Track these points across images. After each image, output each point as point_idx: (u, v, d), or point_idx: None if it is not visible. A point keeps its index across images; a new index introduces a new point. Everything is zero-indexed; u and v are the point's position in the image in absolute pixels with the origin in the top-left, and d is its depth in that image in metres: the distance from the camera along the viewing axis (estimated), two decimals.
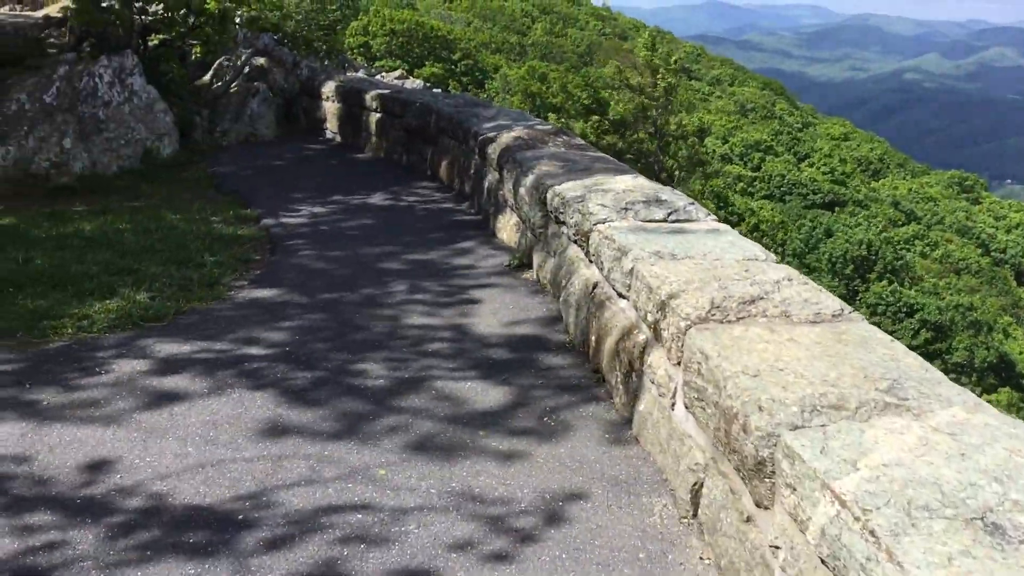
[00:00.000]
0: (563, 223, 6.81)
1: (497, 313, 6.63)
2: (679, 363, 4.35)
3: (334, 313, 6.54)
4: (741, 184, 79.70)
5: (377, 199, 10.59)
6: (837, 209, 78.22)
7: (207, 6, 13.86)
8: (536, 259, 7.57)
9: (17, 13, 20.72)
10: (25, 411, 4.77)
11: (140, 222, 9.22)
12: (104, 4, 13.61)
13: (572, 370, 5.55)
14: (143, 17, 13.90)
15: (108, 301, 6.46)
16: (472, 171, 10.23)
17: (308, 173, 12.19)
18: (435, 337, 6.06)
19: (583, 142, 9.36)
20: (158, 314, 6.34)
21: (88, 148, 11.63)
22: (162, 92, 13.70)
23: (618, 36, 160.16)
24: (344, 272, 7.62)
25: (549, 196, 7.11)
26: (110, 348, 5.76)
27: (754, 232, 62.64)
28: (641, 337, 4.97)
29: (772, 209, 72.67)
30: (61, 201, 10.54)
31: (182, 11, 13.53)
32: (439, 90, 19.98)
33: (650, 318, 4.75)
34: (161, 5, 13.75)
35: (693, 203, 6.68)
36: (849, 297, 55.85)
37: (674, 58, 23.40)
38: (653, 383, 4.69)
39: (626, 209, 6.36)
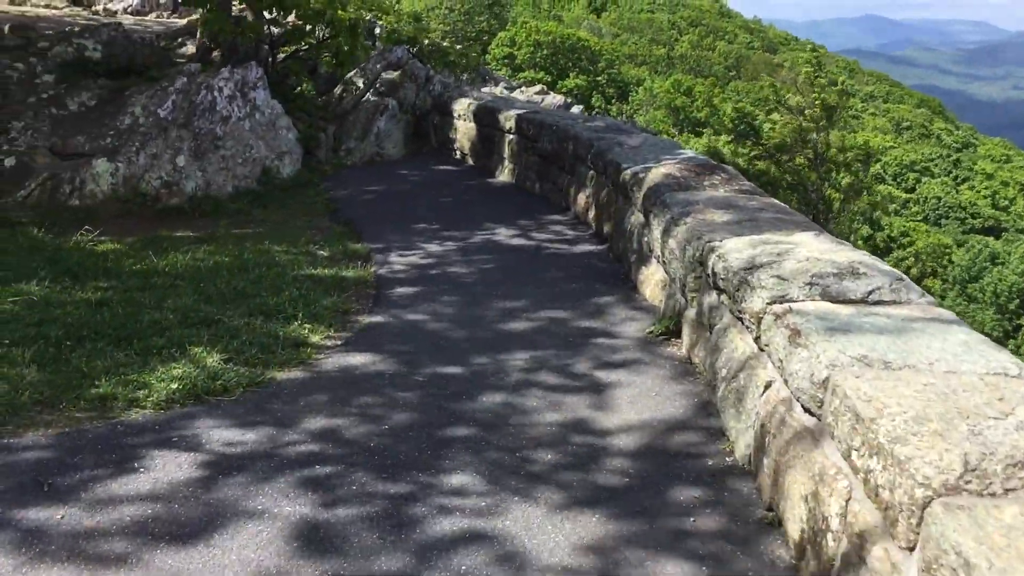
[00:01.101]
0: (724, 292, 5.39)
1: (635, 403, 5.26)
2: (911, 548, 2.90)
3: (435, 395, 5.32)
4: (894, 205, 75.07)
5: (503, 235, 9.38)
6: (999, 236, 72.51)
7: (339, 18, 13.04)
8: (687, 331, 6.15)
9: (163, 21, 20.77)
10: (26, 535, 3.73)
11: (240, 256, 8.31)
12: (234, 14, 13.01)
13: (738, 505, 4.11)
14: (273, 28, 13.22)
15: (174, 365, 5.45)
16: (613, 209, 8.88)
17: (431, 200, 11.13)
18: (552, 440, 4.73)
19: (747, 183, 7.85)
20: (227, 386, 5.27)
21: (202, 167, 10.93)
22: (287, 107, 12.98)
23: (767, 49, 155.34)
24: (455, 334, 6.40)
25: (707, 256, 5.70)
26: (159, 432, 4.71)
27: (916, 262, 58.58)
28: (842, 485, 3.50)
29: (928, 232, 67.98)
30: (168, 224, 9.83)
31: (314, 23, 12.76)
32: (578, 109, 18.74)
33: (860, 462, 3.30)
34: (292, 15, 13.02)
35: (902, 278, 5.11)
36: (1012, 333, 51.22)
37: (841, 79, 21.14)
38: (866, 565, 3.22)
39: (812, 284, 4.87)
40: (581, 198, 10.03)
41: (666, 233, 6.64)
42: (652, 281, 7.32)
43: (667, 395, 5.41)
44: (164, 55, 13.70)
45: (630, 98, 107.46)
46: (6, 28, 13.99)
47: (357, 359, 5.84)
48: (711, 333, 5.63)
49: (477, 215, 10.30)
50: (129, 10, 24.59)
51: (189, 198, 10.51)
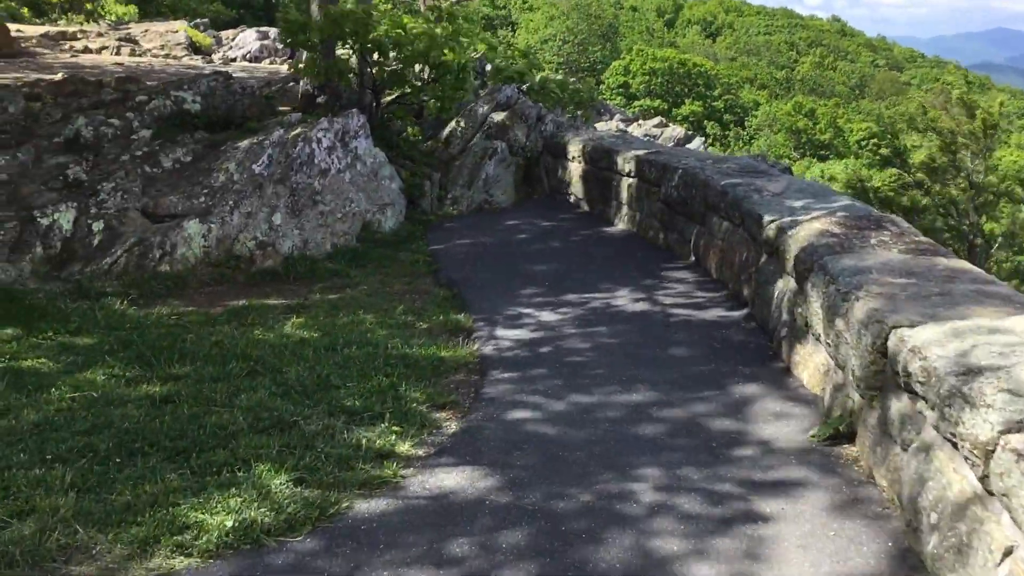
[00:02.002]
0: (923, 399, 4.12)
1: (808, 549, 4.04)
2: None
3: (548, 533, 4.21)
4: None
5: (624, 299, 8.23)
6: None
7: (444, 59, 12.24)
8: (865, 440, 4.87)
9: (272, 68, 20.58)
10: None
11: (330, 330, 7.45)
12: (336, 58, 12.39)
13: None
14: (374, 71, 12.53)
15: (232, 491, 4.52)
16: (753, 269, 7.62)
17: (543, 255, 10.08)
18: None
19: (922, 238, 6.47)
20: (292, 521, 4.30)
21: (299, 224, 10.21)
22: (391, 154, 12.25)
23: (892, 67, 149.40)
24: (569, 439, 5.28)
25: (896, 350, 4.43)
26: None
27: None
28: None
29: None
30: (260, 290, 9.10)
31: (418, 65, 12.00)
32: (699, 142, 17.44)
33: None
34: (394, 57, 12.30)
35: None
36: None
37: (999, 100, 19.07)
38: None
39: None
40: (713, 254, 8.78)
41: (832, 311, 5.37)
42: (811, 364, 6.03)
43: (848, 535, 4.16)
44: (266, 105, 13.19)
45: (747, 122, 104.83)
46: (111, 82, 13.80)
47: (452, 479, 4.79)
48: (904, 451, 4.34)
49: (593, 273, 9.19)
50: (248, 57, 24.75)
51: (285, 259, 9.78)
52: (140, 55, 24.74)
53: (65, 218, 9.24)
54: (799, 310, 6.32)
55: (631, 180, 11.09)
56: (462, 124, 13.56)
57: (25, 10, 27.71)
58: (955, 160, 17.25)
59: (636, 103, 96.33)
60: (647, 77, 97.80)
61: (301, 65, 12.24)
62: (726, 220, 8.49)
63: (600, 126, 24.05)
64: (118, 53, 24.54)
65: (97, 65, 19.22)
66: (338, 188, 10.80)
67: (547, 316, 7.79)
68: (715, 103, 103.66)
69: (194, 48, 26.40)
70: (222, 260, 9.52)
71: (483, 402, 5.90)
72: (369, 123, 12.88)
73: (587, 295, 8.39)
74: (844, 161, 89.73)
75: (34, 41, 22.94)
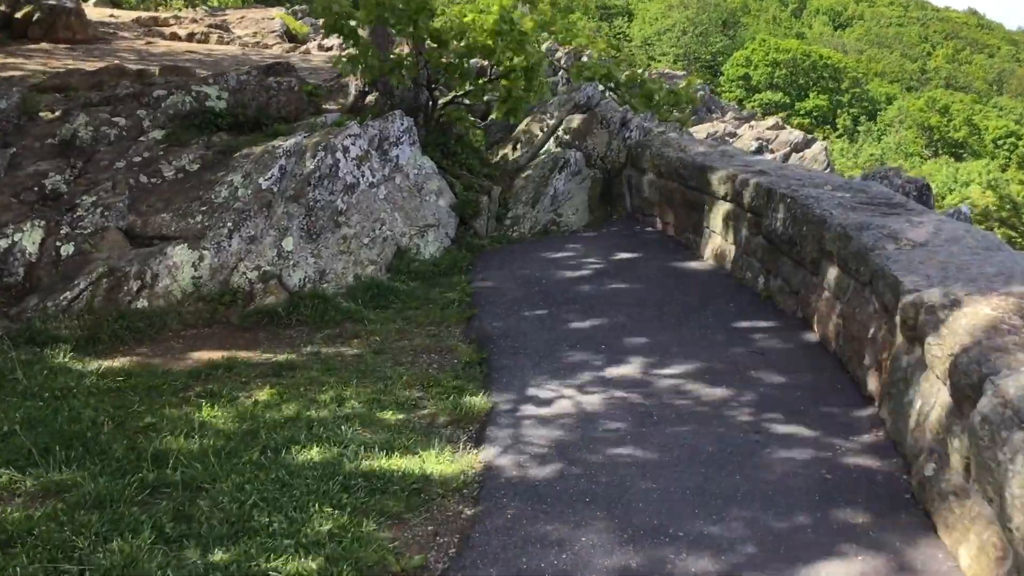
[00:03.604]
0: None
1: None
2: None
3: None
4: None
5: (703, 377, 6.13)
6: None
7: (512, 63, 10.27)
8: None
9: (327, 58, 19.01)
10: None
11: (300, 410, 5.64)
12: (388, 52, 10.60)
13: None
14: (429, 65, 10.67)
15: None
16: (886, 354, 5.41)
17: (608, 300, 8.03)
18: None
19: None
20: None
21: (316, 251, 8.46)
22: (446, 163, 10.40)
23: None
24: None
25: None
26: None
27: None
28: None
29: None
30: (249, 337, 7.41)
31: (483, 59, 10.10)
32: (820, 148, 14.93)
33: None
34: (455, 49, 10.42)
35: None
36: None
37: None
38: None
39: None
40: (829, 316, 6.56)
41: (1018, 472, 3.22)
42: (973, 537, 3.85)
43: None
44: (307, 102, 11.52)
45: (878, 117, 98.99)
46: (154, 72, 12.42)
47: None
48: None
49: (667, 331, 7.10)
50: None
51: (291, 295, 8.04)
52: (228, 43, 23.76)
53: (30, 239, 7.74)
54: (955, 442, 4.13)
55: (727, 205, 8.91)
56: (533, 129, 11.58)
57: None
58: None
59: (757, 96, 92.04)
60: (769, 69, 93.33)
61: (344, 58, 10.47)
62: (848, 275, 6.26)
63: (705, 128, 21.63)
64: (206, 40, 23.62)
65: (169, 53, 18.10)
66: (368, 207, 9.00)
67: (597, 398, 5.77)
68: (841, 97, 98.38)
69: (289, 36, 25.27)
70: (215, 295, 7.84)
71: (466, 567, 3.95)
72: (424, 126, 11.08)
73: (654, 366, 6.31)
74: (981, 163, 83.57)
75: (123, 26, 22.16)
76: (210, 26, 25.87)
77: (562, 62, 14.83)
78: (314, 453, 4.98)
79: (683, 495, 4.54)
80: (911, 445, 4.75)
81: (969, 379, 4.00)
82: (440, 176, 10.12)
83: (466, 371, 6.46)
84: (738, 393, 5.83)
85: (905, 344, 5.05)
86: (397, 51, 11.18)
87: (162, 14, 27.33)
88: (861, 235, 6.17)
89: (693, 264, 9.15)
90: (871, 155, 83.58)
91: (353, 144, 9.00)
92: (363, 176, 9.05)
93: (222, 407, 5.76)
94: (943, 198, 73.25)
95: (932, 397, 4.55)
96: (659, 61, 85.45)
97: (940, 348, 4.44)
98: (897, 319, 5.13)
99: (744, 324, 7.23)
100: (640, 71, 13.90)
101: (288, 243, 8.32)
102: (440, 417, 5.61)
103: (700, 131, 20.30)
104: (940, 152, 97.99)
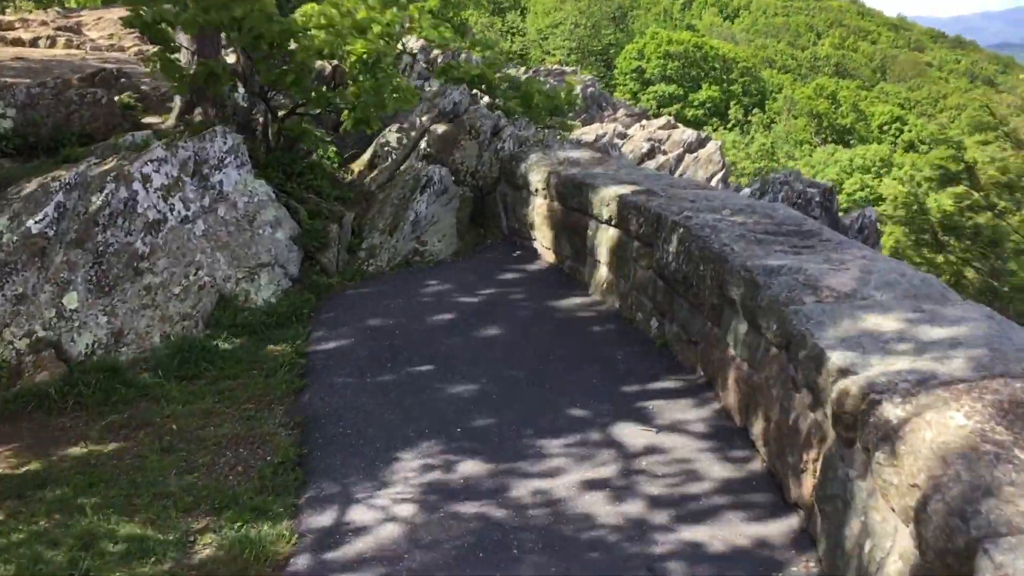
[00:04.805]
0: None
1: None
2: None
3: None
4: None
5: (580, 479, 4.74)
6: None
7: (354, 52, 8.74)
8: None
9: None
10: None
11: (25, 569, 4.02)
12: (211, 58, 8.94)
13: None
14: (260, 75, 9.04)
15: None
16: (814, 450, 4.11)
17: (475, 354, 6.60)
18: None
19: None
20: None
21: (110, 307, 6.77)
22: (290, 187, 8.80)
23: (914, 48, 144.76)
24: None
25: None
26: None
27: None
28: None
29: None
30: (6, 431, 5.69)
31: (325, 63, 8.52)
32: (717, 151, 13.75)
33: None
34: (294, 52, 8.81)
35: None
36: None
37: None
38: None
39: None
40: (735, 381, 5.27)
41: None
42: None
43: None
44: (125, 117, 9.76)
45: (767, 106, 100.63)
46: None
47: None
48: None
49: (541, 401, 5.71)
50: None
51: (73, 367, 6.35)
52: (78, 46, 21.43)
53: None
54: None
55: (612, 231, 7.58)
56: (392, 141, 10.05)
57: None
58: None
59: (651, 88, 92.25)
60: (662, 61, 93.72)
61: (155, 62, 8.75)
62: (758, 332, 4.97)
63: (595, 130, 20.43)
64: (52, 45, 21.23)
65: None
66: (179, 247, 7.34)
67: (434, 526, 4.30)
68: (733, 87, 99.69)
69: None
70: None
71: None
72: (263, 143, 9.44)
73: (517, 470, 4.89)
74: (870, 148, 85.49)
75: None
76: (60, 28, 23.42)
77: (423, 62, 13.32)
78: None
79: None
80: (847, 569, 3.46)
81: (952, 542, 2.70)
82: (278, 203, 8.51)
83: (277, 478, 4.92)
84: (625, 504, 4.46)
85: (841, 445, 3.76)
86: (218, 59, 9.50)
87: (7, 17, 24.72)
88: (772, 282, 4.88)
89: (577, 300, 7.79)
90: (762, 145, 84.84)
91: (157, 171, 7.31)
92: (172, 209, 7.37)
93: None
94: (841, 184, 74.60)
95: (887, 539, 3.25)
96: (554, 55, 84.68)
97: (896, 474, 3.15)
98: (828, 410, 3.83)
99: (635, 387, 5.89)
100: (520, 71, 12.50)
101: (71, 300, 6.61)
102: (219, 570, 4.06)
103: (589, 133, 19.10)
104: (829, 139, 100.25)
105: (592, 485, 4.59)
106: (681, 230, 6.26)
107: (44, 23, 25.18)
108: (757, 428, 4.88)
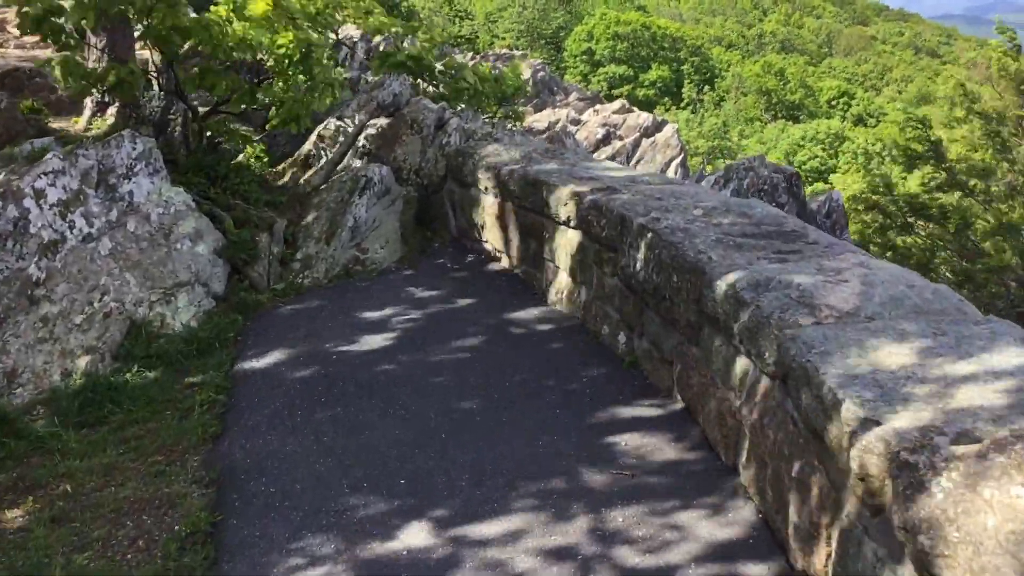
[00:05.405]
0: None
1: None
2: None
3: None
4: None
5: (541, 528, 4.02)
6: None
7: (279, 46, 7.88)
8: None
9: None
10: None
11: None
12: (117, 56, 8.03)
13: None
14: (175, 71, 8.14)
15: None
16: (827, 517, 3.40)
17: (420, 382, 5.83)
18: None
19: None
20: None
21: (0, 345, 5.88)
22: (214, 194, 7.94)
23: (858, 22, 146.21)
24: None
25: None
26: None
27: None
28: None
29: None
30: None
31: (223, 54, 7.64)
32: (672, 131, 13.02)
33: None
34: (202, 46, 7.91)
35: None
36: None
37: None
38: None
39: None
40: (719, 413, 4.56)
41: None
42: None
43: None
44: (29, 122, 8.80)
45: (716, 84, 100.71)
46: None
47: None
48: None
49: (495, 439, 4.96)
50: None
51: None
52: (1, 44, 20.21)
53: None
54: None
55: (572, 233, 6.84)
56: (326, 139, 9.19)
57: None
58: (1006, 152, 13.14)
59: (601, 70, 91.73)
60: (611, 42, 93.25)
61: (53, 64, 7.80)
62: (746, 357, 4.26)
63: (547, 117, 19.66)
64: None
65: None
66: (81, 270, 6.46)
67: None
68: (683, 66, 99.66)
69: None
70: None
71: None
72: (183, 145, 8.54)
73: (467, 535, 4.14)
74: (822, 123, 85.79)
75: None
76: None
77: (363, 51, 12.43)
78: None
79: None
80: None
81: None
82: (199, 212, 7.63)
83: (184, 555, 4.12)
84: (598, 530, 3.74)
85: (865, 513, 3.06)
86: (131, 56, 8.58)
87: None
88: (760, 299, 4.18)
89: (535, 311, 7.04)
90: (714, 124, 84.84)
91: (53, 184, 6.41)
92: (72, 227, 6.48)
93: None
94: (794, 155, 74.60)
95: None
96: (503, 39, 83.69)
97: (950, 570, 2.45)
98: (845, 468, 3.13)
99: (603, 416, 5.16)
100: (467, 56, 11.68)
101: None
102: None
103: (541, 120, 18.30)
104: (779, 115, 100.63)
105: (558, 554, 3.84)
106: (649, 235, 5.53)
107: None
108: (749, 473, 4.18)
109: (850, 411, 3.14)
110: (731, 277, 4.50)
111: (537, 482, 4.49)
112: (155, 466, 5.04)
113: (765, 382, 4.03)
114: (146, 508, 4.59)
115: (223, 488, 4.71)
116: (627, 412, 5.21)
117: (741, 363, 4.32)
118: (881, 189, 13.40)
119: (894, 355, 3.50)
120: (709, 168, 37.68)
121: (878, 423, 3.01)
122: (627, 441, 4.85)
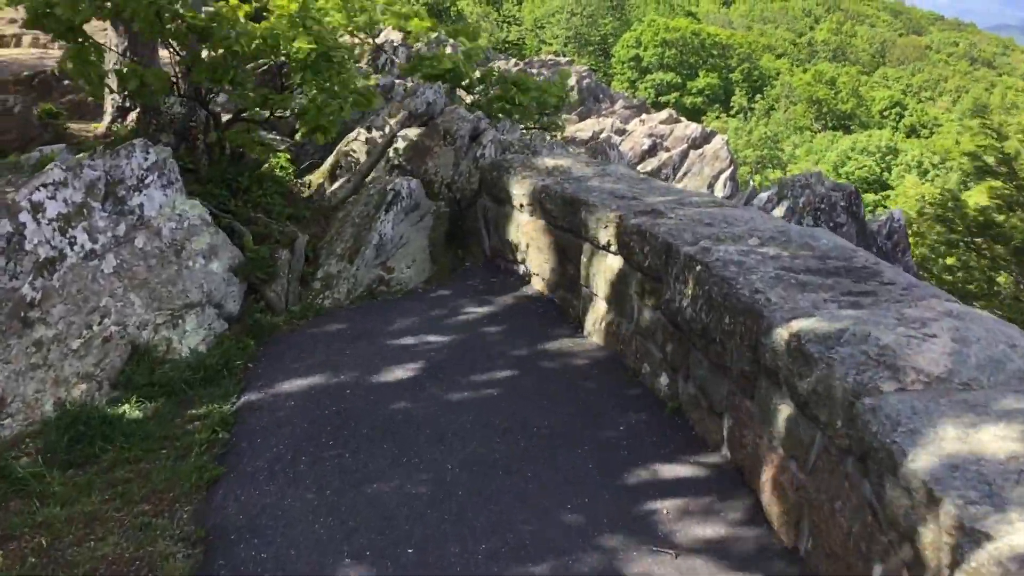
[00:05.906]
0: None
1: None
2: None
3: None
4: None
5: None
6: None
7: (293, 51, 7.39)
8: None
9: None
10: None
11: None
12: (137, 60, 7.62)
13: None
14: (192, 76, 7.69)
15: None
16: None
17: (441, 426, 5.26)
18: None
19: None
20: None
21: None
22: (235, 207, 7.47)
23: (913, 32, 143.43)
24: None
25: None
26: None
27: None
28: None
29: None
30: None
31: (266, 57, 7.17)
32: (724, 145, 12.25)
33: None
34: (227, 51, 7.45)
35: None
36: None
37: None
38: None
39: None
40: (786, 490, 3.92)
41: None
42: None
43: None
44: (46, 127, 8.42)
45: (765, 93, 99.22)
46: None
47: None
48: None
49: (521, 502, 4.38)
50: None
51: None
52: (44, 45, 20.23)
53: None
54: None
55: (611, 259, 6.23)
56: (357, 149, 8.69)
57: None
58: None
59: (648, 77, 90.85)
60: (660, 49, 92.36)
61: (68, 63, 7.40)
62: (813, 424, 3.63)
63: (591, 126, 19.04)
64: (18, 44, 20.06)
65: None
66: (81, 290, 6.00)
67: None
68: (732, 74, 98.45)
69: None
70: None
71: None
72: (205, 155, 8.10)
73: None
74: (873, 133, 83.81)
75: None
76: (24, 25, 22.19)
77: (403, 57, 11.94)
78: None
79: None
80: None
81: None
82: (215, 227, 7.16)
83: None
84: None
85: None
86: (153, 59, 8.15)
87: None
88: (830, 356, 3.54)
89: (569, 342, 6.44)
90: (763, 133, 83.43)
91: (53, 197, 5.96)
92: (73, 244, 6.03)
93: None
94: (841, 167, 73.04)
95: None
96: (550, 44, 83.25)
97: None
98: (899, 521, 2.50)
99: (642, 475, 4.55)
100: (511, 63, 11.12)
101: None
102: None
103: (585, 129, 17.65)
104: (829, 125, 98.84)
105: None
106: (698, 267, 4.91)
107: (13, 20, 23.87)
108: (815, 563, 3.54)
109: (952, 516, 2.51)
110: (795, 325, 3.86)
111: (565, 557, 3.89)
112: (140, 518, 4.52)
113: (835, 456, 3.40)
114: (124, 570, 4.07)
115: (211, 549, 4.18)
116: (669, 471, 4.60)
117: (806, 429, 3.68)
118: (950, 204, 12.58)
119: (1000, 439, 2.85)
120: (757, 178, 36.72)
121: (990, 538, 2.38)
122: (669, 507, 4.23)
